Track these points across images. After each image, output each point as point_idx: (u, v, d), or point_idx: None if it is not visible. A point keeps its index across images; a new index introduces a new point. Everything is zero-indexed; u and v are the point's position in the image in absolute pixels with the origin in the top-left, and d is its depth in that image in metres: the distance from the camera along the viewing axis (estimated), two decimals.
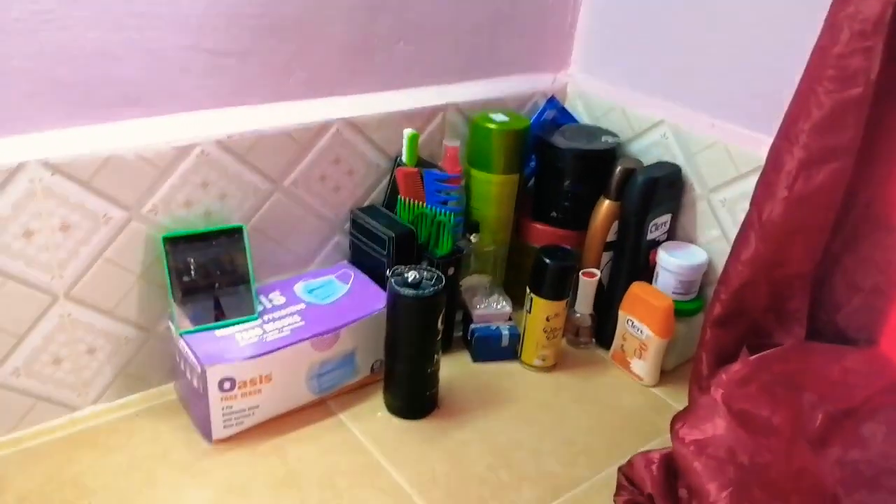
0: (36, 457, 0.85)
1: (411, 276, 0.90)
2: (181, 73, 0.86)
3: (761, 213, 0.85)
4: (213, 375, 0.84)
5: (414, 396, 0.96)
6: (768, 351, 0.87)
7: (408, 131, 1.02)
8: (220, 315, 0.90)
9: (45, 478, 0.82)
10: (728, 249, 0.91)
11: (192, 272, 0.90)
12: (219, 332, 0.89)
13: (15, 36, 0.75)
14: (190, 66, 0.86)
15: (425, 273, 0.91)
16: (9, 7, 0.73)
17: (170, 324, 0.90)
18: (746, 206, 0.88)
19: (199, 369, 0.84)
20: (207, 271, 0.91)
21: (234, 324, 0.90)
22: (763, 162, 0.86)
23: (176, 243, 0.89)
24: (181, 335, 0.88)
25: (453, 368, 1.05)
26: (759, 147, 0.90)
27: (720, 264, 0.94)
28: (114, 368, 0.92)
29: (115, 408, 0.93)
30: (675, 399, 1.03)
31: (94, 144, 0.81)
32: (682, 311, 1.04)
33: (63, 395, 0.90)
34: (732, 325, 0.91)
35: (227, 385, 0.86)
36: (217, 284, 0.91)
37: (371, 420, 0.95)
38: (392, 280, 0.90)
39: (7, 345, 0.83)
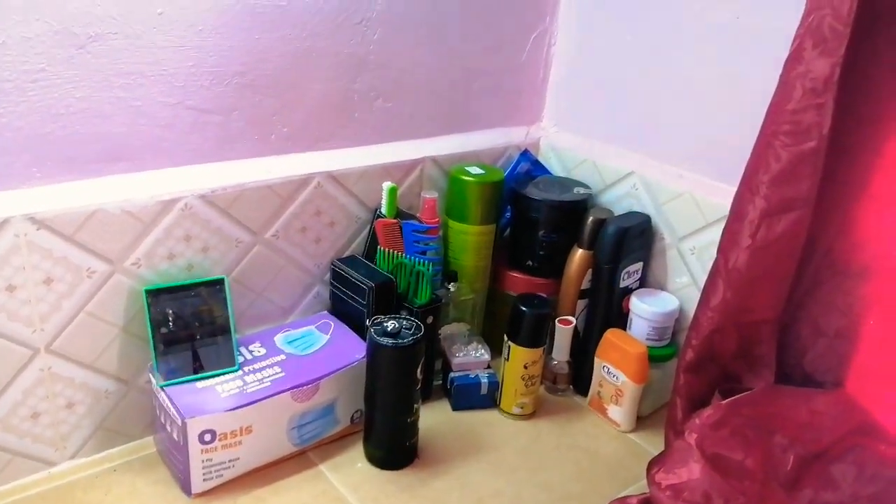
0: None
1: (391, 325, 0.92)
2: (166, 129, 0.89)
3: (727, 261, 0.89)
4: (194, 427, 0.85)
5: (394, 447, 0.96)
6: (739, 395, 0.89)
7: (387, 184, 1.05)
8: (200, 367, 0.91)
9: None
10: (698, 296, 0.94)
11: (174, 324, 0.91)
12: (199, 384, 0.89)
13: (4, 95, 0.77)
14: (174, 122, 0.89)
15: (404, 322, 0.93)
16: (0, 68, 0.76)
17: (150, 376, 0.91)
18: (714, 253, 0.91)
19: (179, 421, 0.85)
20: (188, 323, 0.92)
21: (214, 375, 0.91)
22: (727, 211, 0.90)
23: (158, 295, 0.90)
24: (162, 387, 0.88)
25: (433, 417, 1.06)
26: (725, 197, 0.94)
27: (691, 310, 0.97)
28: (93, 422, 0.92)
29: (93, 462, 0.93)
30: (652, 444, 1.04)
31: (79, 199, 0.83)
32: (655, 357, 1.06)
33: (40, 449, 0.89)
34: (704, 371, 0.94)
35: (207, 437, 0.86)
36: (198, 336, 0.92)
37: (351, 471, 0.95)
38: (371, 329, 0.91)
39: None
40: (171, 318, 0.90)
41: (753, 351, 0.93)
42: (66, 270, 0.84)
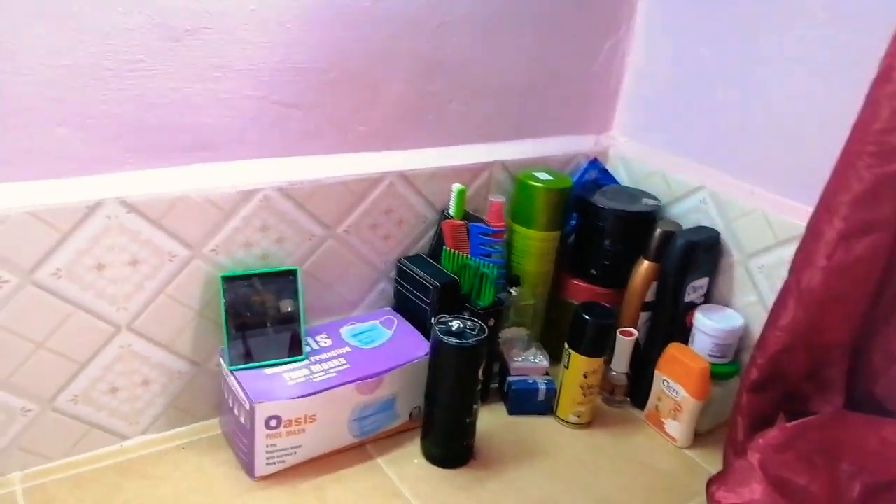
0: (86, 483, 0.88)
1: (455, 325, 0.93)
2: (250, 122, 0.92)
3: (800, 281, 0.87)
4: (262, 412, 0.87)
5: (451, 445, 0.97)
6: (806, 418, 0.87)
7: (456, 186, 1.06)
8: (270, 354, 0.93)
9: None
10: (765, 315, 0.92)
11: (246, 311, 0.94)
12: (268, 371, 0.92)
13: (104, 83, 0.80)
14: (259, 115, 0.92)
15: (468, 323, 0.94)
16: (102, 56, 0.79)
17: (221, 360, 0.94)
18: (784, 272, 0.90)
19: (247, 406, 0.87)
20: (260, 311, 0.95)
21: (283, 363, 0.93)
22: (801, 230, 0.88)
23: (233, 282, 0.93)
24: (232, 371, 0.91)
25: (489, 420, 1.06)
26: (797, 215, 0.92)
27: (756, 329, 0.95)
28: (165, 401, 0.96)
29: (164, 439, 0.96)
30: (709, 462, 1.03)
31: (166, 185, 0.87)
32: (717, 374, 1.05)
33: (115, 423, 0.93)
34: (769, 391, 0.92)
35: (273, 423, 0.88)
36: (269, 324, 0.95)
37: (408, 466, 0.97)
38: (436, 328, 0.93)
39: (69, 372, 0.87)
40: (244, 305, 0.93)
41: (823, 374, 0.91)
42: (150, 253, 0.87)
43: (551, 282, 1.18)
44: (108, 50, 0.80)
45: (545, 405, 1.09)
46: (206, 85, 0.87)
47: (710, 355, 1.06)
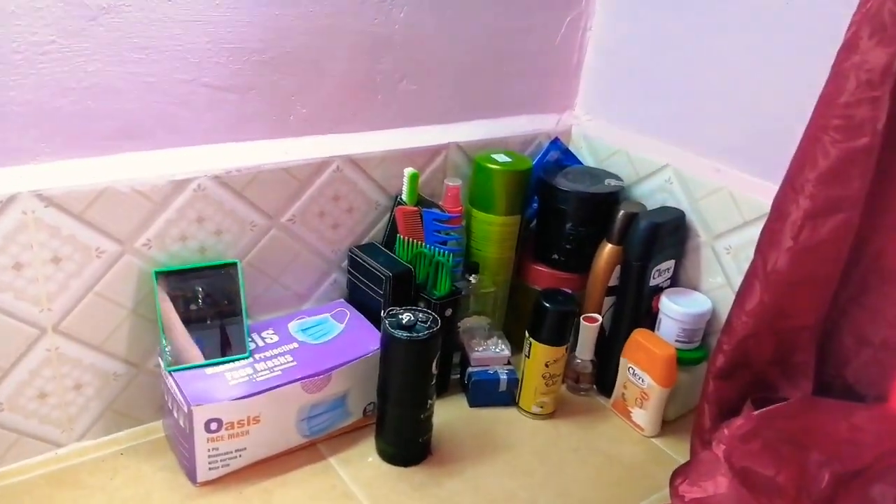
0: (16, 494, 0.83)
1: (406, 317, 0.88)
2: (180, 106, 0.86)
3: (766, 263, 0.83)
4: (200, 415, 0.82)
5: (406, 443, 0.93)
6: (773, 406, 0.84)
7: (409, 170, 1.01)
8: (211, 352, 0.88)
9: None
10: (732, 297, 0.89)
11: (184, 307, 0.88)
12: (209, 370, 0.87)
13: (13, 67, 0.74)
14: (189, 100, 0.86)
15: (420, 315, 0.89)
16: (8, 39, 0.73)
17: (159, 360, 0.89)
18: (751, 253, 0.86)
19: (186, 408, 0.82)
20: (200, 307, 0.89)
21: (224, 362, 0.88)
22: (769, 209, 0.84)
23: (168, 278, 0.88)
24: (170, 372, 0.86)
25: (449, 412, 1.02)
26: (765, 194, 0.88)
27: (724, 313, 0.91)
28: (101, 404, 0.90)
29: (100, 445, 0.91)
30: (676, 451, 1.00)
31: (89, 177, 0.81)
32: (684, 360, 1.01)
33: (47, 430, 0.88)
34: (736, 377, 0.89)
35: (213, 426, 0.83)
36: (209, 321, 0.90)
37: (361, 465, 0.92)
38: (386, 321, 0.88)
39: None
40: (181, 302, 0.88)
41: (791, 358, 0.87)
42: (74, 249, 0.82)
43: (513, 268, 1.14)
44: (16, 31, 0.73)
45: (507, 396, 1.05)
46: (128, 68, 0.81)
47: (677, 340, 1.02)
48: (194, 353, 0.88)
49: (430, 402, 0.92)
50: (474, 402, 1.05)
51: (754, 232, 0.88)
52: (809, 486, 0.80)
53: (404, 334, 0.86)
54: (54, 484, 0.85)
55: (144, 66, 0.82)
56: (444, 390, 1.06)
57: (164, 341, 0.87)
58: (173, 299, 0.88)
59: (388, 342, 0.88)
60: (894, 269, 0.83)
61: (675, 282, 1.09)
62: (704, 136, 1.05)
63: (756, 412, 0.83)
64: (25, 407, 0.85)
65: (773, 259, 0.83)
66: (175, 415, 0.86)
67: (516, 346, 1.08)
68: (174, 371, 0.86)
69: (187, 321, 0.88)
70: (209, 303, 0.90)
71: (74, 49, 0.77)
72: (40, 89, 0.76)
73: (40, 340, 0.83)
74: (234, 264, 0.91)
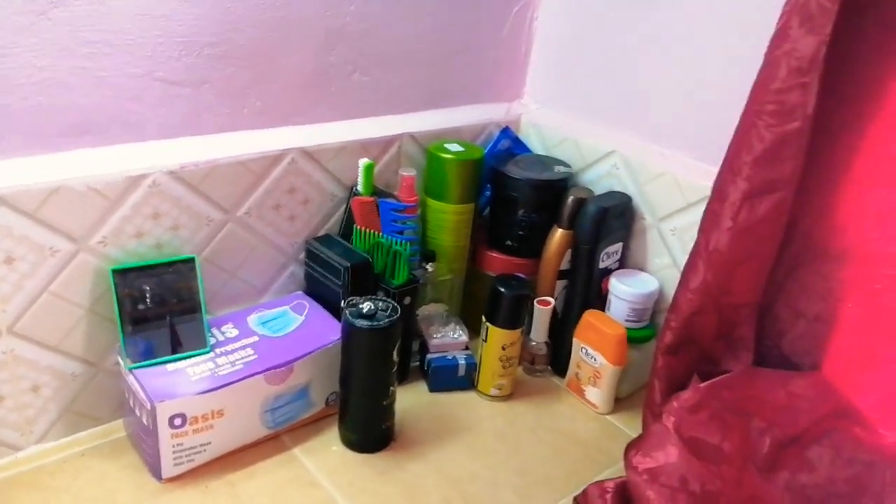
0: None
1: (366, 307, 0.90)
2: (133, 101, 0.85)
3: (708, 243, 0.88)
4: (164, 411, 0.82)
5: (369, 430, 0.95)
6: (717, 378, 0.89)
7: (363, 161, 1.02)
8: (171, 349, 0.88)
9: None
10: (678, 277, 0.93)
11: (142, 305, 0.88)
12: (170, 367, 0.87)
13: None
14: (142, 94, 0.85)
15: (380, 304, 0.91)
16: None
17: (119, 358, 0.88)
18: (695, 234, 0.90)
19: (148, 406, 0.82)
20: (158, 304, 0.89)
21: (185, 358, 0.88)
22: (710, 192, 0.88)
23: (125, 275, 0.87)
24: (130, 370, 0.85)
25: (410, 399, 1.04)
26: (706, 177, 0.92)
27: (671, 292, 0.96)
28: (59, 406, 0.89)
29: (61, 447, 0.90)
30: (630, 426, 1.04)
31: (41, 174, 0.80)
32: (634, 339, 1.06)
33: (5, 434, 0.86)
34: (683, 353, 0.93)
35: (177, 421, 0.84)
36: (168, 317, 0.89)
37: (326, 454, 0.94)
38: (346, 311, 0.89)
39: None
40: (139, 299, 0.88)
41: (733, 333, 0.92)
42: (27, 249, 0.80)
43: (468, 255, 1.16)
44: None
45: (466, 380, 1.08)
46: (79, 62, 0.80)
47: (627, 320, 1.07)
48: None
49: (391, 389, 0.93)
50: (434, 388, 1.07)
51: (697, 214, 0.92)
52: (753, 452, 0.85)
53: (365, 323, 0.88)
54: (16, 487, 0.84)
55: (95, 60, 0.81)
56: (404, 377, 1.07)
57: (122, 339, 0.86)
58: (131, 296, 0.87)
59: (349, 332, 0.89)
60: (824, 247, 0.88)
61: (623, 263, 1.14)
62: (649, 123, 1.09)
63: (702, 384, 0.88)
64: None
65: (715, 239, 0.87)
66: (137, 412, 0.86)
67: (474, 332, 1.10)
68: (134, 368, 0.85)
69: (144, 319, 0.88)
70: (166, 299, 0.89)
71: (23, 45, 0.76)
72: None
73: None
74: (191, 259, 0.91)
